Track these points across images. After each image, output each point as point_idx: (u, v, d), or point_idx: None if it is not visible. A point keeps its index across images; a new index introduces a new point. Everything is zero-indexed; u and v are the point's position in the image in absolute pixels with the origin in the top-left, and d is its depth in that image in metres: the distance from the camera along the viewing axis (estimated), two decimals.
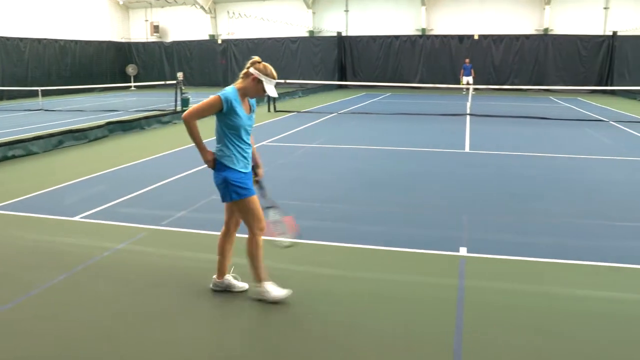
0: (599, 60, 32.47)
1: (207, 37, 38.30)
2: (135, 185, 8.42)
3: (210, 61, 36.88)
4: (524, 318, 4.22)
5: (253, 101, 4.47)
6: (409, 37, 34.81)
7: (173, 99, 19.11)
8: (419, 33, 35.15)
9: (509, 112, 19.52)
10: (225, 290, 4.65)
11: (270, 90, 4.31)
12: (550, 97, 29.07)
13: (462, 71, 29.71)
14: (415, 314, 4.29)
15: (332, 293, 4.67)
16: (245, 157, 4.37)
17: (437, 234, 6.27)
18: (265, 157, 10.55)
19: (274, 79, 4.31)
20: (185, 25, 38.89)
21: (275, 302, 4.40)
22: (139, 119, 15.57)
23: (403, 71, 34.65)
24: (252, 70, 4.27)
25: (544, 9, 33.61)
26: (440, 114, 19.00)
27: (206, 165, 4.41)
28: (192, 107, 4.19)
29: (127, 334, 3.97)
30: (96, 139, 13.31)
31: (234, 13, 26.54)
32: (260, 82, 4.26)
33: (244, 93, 4.31)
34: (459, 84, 29.55)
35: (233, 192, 4.27)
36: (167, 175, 9.10)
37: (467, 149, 12.07)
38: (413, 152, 11.73)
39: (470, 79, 28.85)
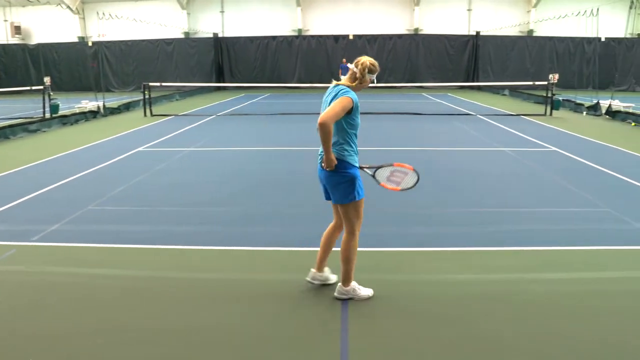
0: (465, 58, 34.60)
1: (76, 39, 36.46)
2: (1, 200, 7.84)
3: (80, 64, 34.82)
4: (406, 305, 4.41)
5: None
6: (285, 37, 35.18)
7: (41, 105, 18.00)
8: (296, 33, 35.62)
9: (384, 108, 20.23)
10: (323, 284, 4.76)
11: (374, 80, 4.50)
12: (423, 93, 30.46)
13: (340, 71, 30.36)
14: (302, 311, 4.34)
15: (214, 297, 4.62)
16: (358, 155, 4.47)
17: (319, 230, 6.33)
18: (142, 163, 10.36)
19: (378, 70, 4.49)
20: (51, 27, 36.81)
21: (364, 300, 4.49)
22: (3, 127, 14.50)
23: (281, 71, 34.95)
24: (368, 75, 4.38)
25: (414, 10, 35.26)
26: (318, 112, 19.26)
27: (324, 166, 4.31)
28: (326, 112, 4.16)
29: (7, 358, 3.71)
30: None
31: (104, 14, 25.39)
32: (367, 78, 4.39)
33: (353, 90, 4.41)
34: None
35: (356, 191, 4.33)
36: (37, 187, 8.54)
37: None
38: (292, 151, 11.84)
39: (347, 79, 29.52)
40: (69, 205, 7.48)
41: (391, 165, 4.55)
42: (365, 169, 4.53)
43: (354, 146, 4.40)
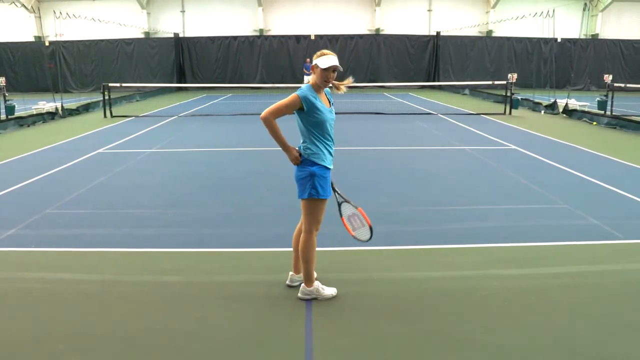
0: (426, 58, 34.99)
1: (32, 39, 35.57)
2: None
3: (37, 65, 33.81)
4: (370, 304, 4.43)
5: (330, 96, 4.51)
6: (247, 37, 34.98)
7: None
8: (257, 34, 35.48)
9: (345, 108, 20.23)
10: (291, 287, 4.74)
11: (325, 62, 4.23)
12: (385, 93, 30.71)
13: (305, 70, 30.39)
14: (266, 312, 4.32)
15: (180, 300, 4.57)
16: (331, 154, 4.45)
17: (279, 231, 6.31)
18: (102, 166, 10.18)
19: (325, 55, 4.29)
20: (6, 26, 35.77)
21: (328, 299, 4.50)
22: None
23: (243, 72, 34.76)
24: (318, 61, 4.28)
25: (375, 10, 35.50)
26: None
27: (291, 162, 4.39)
28: (270, 106, 4.18)
29: None
30: None
31: (61, 13, 24.89)
32: (317, 67, 4.27)
33: (317, 87, 4.36)
34: (302, 83, 30.18)
35: (314, 189, 4.30)
36: None
37: None
38: (254, 152, 11.79)
39: (310, 78, 29.54)
40: (26, 209, 7.29)
41: (355, 208, 4.59)
42: (336, 194, 4.60)
43: (320, 146, 4.35)
